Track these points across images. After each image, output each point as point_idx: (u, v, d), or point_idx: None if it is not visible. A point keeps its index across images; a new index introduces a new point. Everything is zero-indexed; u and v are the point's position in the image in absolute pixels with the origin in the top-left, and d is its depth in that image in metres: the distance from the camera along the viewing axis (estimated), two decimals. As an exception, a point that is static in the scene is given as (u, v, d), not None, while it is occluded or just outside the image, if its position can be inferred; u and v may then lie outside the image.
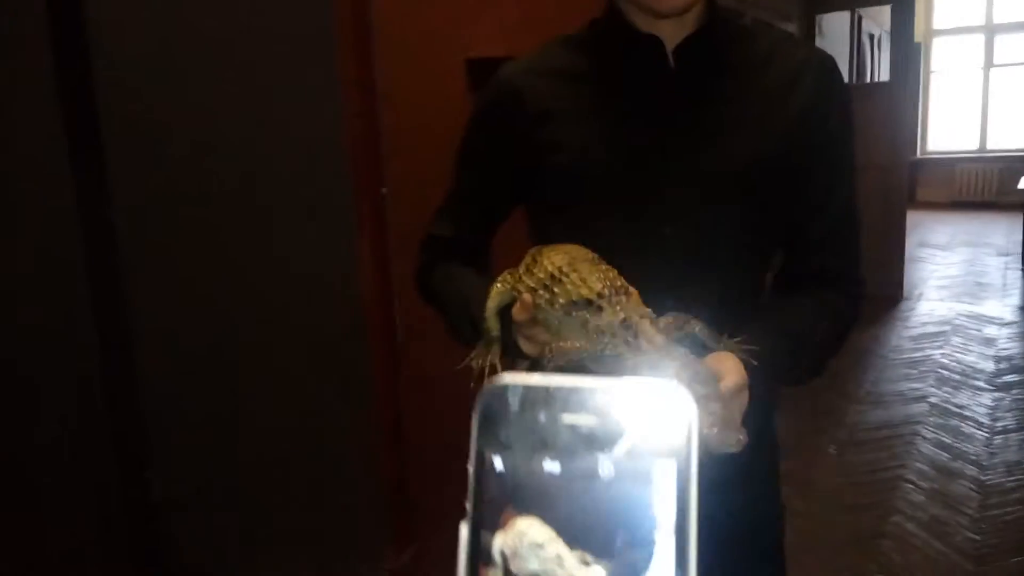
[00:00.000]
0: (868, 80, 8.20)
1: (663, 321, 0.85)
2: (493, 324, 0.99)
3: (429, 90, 2.07)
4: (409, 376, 2.19)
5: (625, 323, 0.82)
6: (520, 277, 0.94)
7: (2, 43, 1.35)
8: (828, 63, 1.08)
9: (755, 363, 0.88)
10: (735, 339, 0.90)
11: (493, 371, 0.99)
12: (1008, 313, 6.03)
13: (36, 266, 1.40)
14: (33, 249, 1.40)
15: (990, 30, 11.37)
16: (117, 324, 1.50)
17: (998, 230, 9.45)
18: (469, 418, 0.33)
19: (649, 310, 0.85)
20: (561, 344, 0.87)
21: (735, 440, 0.74)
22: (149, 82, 1.52)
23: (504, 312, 0.97)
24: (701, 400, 0.75)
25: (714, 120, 1.03)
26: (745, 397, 0.87)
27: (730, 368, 0.85)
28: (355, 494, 2.02)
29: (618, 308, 0.83)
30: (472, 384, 0.99)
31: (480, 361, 1.00)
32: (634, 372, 0.80)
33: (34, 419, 1.43)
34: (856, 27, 7.63)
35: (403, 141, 2.07)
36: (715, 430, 0.74)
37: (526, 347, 0.96)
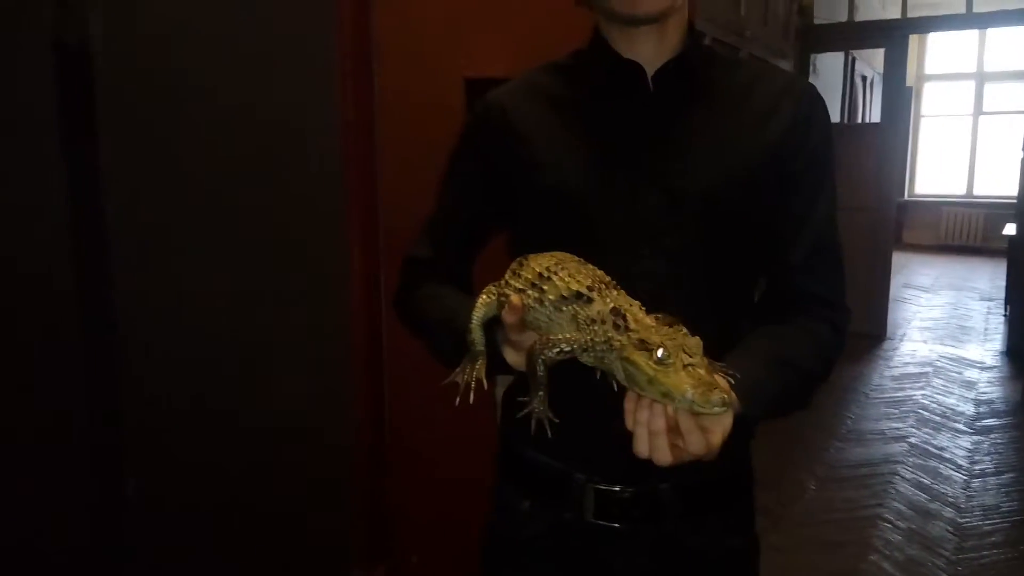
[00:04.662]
0: (859, 121, 8.31)
1: (651, 316, 0.86)
2: (478, 337, 0.98)
3: (427, 106, 2.08)
4: (392, 388, 2.18)
5: (615, 310, 0.83)
6: (507, 282, 0.94)
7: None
8: (809, 90, 1.09)
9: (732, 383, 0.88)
10: (719, 364, 0.90)
11: (479, 387, 0.98)
12: (989, 358, 6.07)
13: (22, 257, 1.39)
14: (20, 240, 1.39)
15: (980, 78, 11.54)
16: (102, 322, 1.48)
17: (982, 275, 9.55)
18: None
19: (638, 303, 0.85)
20: (550, 336, 0.87)
21: (720, 400, 0.75)
22: (150, 88, 1.52)
23: (488, 326, 0.97)
24: (688, 367, 0.77)
25: (691, 144, 1.03)
26: (729, 419, 0.86)
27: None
28: (330, 506, 2.00)
29: (608, 299, 0.84)
30: (458, 400, 0.98)
31: (465, 376, 0.99)
32: (622, 354, 0.81)
33: (11, 412, 1.41)
34: (850, 68, 7.74)
35: (399, 156, 2.08)
36: (699, 391, 0.75)
37: (512, 358, 0.95)
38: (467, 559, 1.29)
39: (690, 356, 0.78)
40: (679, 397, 0.76)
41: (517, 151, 1.07)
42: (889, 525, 3.41)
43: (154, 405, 1.57)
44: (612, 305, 0.83)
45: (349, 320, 2.03)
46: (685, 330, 0.81)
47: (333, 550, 2.02)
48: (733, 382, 0.88)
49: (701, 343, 0.80)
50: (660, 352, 0.77)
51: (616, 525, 1.07)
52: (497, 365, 0.99)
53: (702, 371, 0.77)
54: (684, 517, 1.08)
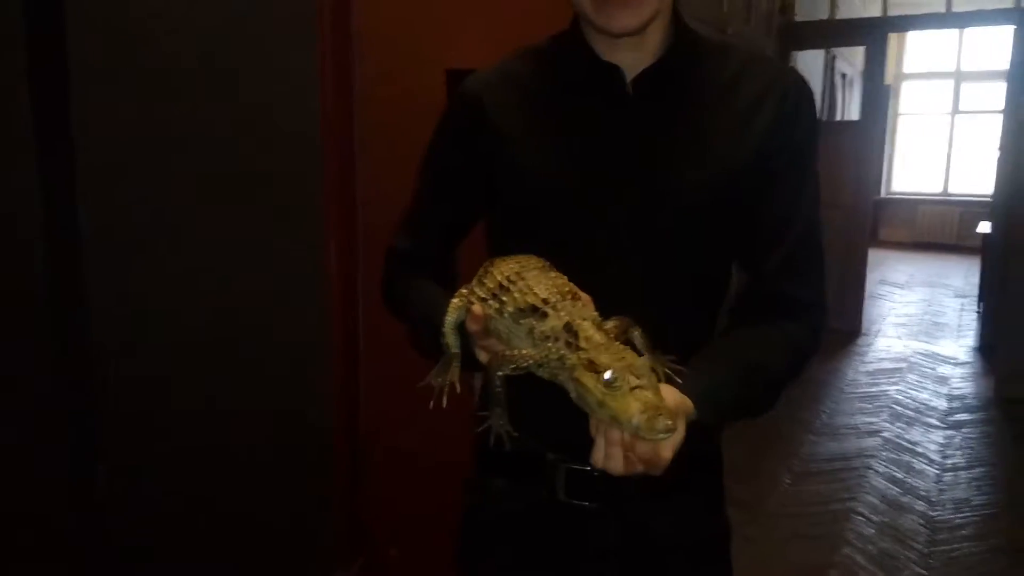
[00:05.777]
0: (838, 118, 8.37)
1: (608, 324, 0.87)
2: (452, 340, 0.99)
3: (408, 98, 2.07)
4: (368, 382, 2.18)
5: (568, 326, 0.84)
6: (473, 289, 0.95)
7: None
8: (797, 84, 1.06)
9: (679, 380, 0.90)
10: (667, 357, 0.92)
11: (452, 390, 0.99)
12: (962, 353, 6.15)
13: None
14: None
15: (958, 77, 11.65)
16: (76, 318, 1.47)
17: (957, 272, 9.66)
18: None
19: (596, 314, 0.86)
20: (505, 352, 0.88)
21: (664, 427, 0.76)
22: (125, 75, 1.50)
23: (462, 327, 0.97)
24: (635, 389, 0.78)
25: (671, 145, 1.02)
26: (680, 435, 0.85)
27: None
28: (308, 501, 1.99)
29: (562, 313, 0.85)
30: (432, 403, 0.99)
31: (440, 379, 1.00)
32: (572, 374, 0.82)
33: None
34: (829, 66, 7.79)
35: (379, 149, 2.07)
36: (645, 416, 0.76)
37: (485, 359, 0.95)
38: (446, 552, 1.30)
39: (637, 377, 0.78)
40: (625, 422, 0.78)
41: (492, 145, 1.06)
42: (862, 518, 3.45)
43: (128, 402, 1.56)
44: (565, 320, 0.84)
45: (326, 316, 2.03)
46: (632, 351, 0.82)
47: (311, 545, 2.01)
48: (680, 381, 0.89)
49: (648, 363, 0.81)
50: (608, 375, 0.78)
51: (587, 504, 1.08)
52: (471, 366, 0.99)
53: (649, 393, 0.78)
54: (652, 498, 1.08)
